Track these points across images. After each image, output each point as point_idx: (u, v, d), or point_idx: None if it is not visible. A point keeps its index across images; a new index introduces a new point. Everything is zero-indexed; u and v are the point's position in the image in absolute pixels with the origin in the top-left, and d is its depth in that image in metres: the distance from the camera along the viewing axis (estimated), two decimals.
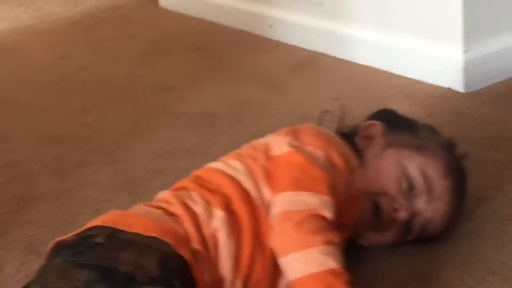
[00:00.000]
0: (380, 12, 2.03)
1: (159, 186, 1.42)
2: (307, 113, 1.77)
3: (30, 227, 1.39)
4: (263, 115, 1.81)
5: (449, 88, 1.85)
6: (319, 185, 1.04)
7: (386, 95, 1.85)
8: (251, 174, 1.08)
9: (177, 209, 1.03)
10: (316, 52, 2.23)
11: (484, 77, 1.85)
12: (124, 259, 0.91)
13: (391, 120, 1.23)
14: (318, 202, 1.02)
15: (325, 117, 1.27)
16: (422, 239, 1.19)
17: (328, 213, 1.02)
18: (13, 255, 1.30)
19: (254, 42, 2.42)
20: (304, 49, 2.27)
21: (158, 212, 1.03)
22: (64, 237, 0.99)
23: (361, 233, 1.16)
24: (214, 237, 1.00)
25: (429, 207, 1.14)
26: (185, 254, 0.96)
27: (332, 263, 0.98)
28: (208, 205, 1.03)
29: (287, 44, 2.35)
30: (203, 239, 0.99)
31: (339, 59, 2.16)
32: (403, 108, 1.75)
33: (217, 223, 1.01)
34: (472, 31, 1.82)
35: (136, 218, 1.00)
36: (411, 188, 1.14)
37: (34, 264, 1.18)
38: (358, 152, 1.19)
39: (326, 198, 1.03)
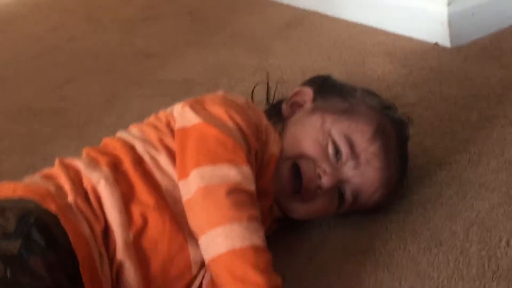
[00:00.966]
0: None
1: None
2: (286, 76, 1.71)
3: None
4: (242, 79, 1.76)
5: (435, 43, 1.77)
6: (237, 156, 0.99)
7: (367, 54, 1.77)
8: (147, 141, 1.05)
9: (56, 170, 1.03)
10: (305, 11, 2.15)
11: (471, 30, 1.75)
12: None
13: (322, 86, 1.17)
14: (238, 175, 0.98)
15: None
16: (367, 210, 1.14)
17: (250, 186, 0.98)
18: None
19: (247, 4, 2.35)
20: (294, 8, 2.20)
21: (36, 177, 1.03)
22: None
23: (286, 204, 1.11)
24: (95, 189, 0.99)
25: (357, 173, 1.08)
26: (53, 208, 0.94)
27: (255, 239, 0.94)
28: (93, 162, 1.03)
29: (278, 4, 2.27)
30: (83, 192, 0.99)
31: (327, 16, 2.08)
32: (383, 67, 1.69)
33: (98, 177, 1.00)
34: None
35: (7, 185, 1.00)
36: (336, 154, 1.08)
37: None
38: (283, 119, 1.13)
39: (246, 169, 0.99)
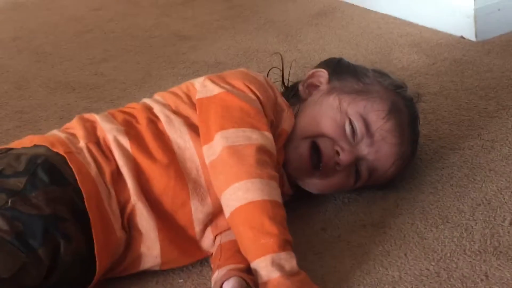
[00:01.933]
0: None
1: None
2: (313, 62, 1.77)
3: None
4: (270, 64, 1.81)
5: (461, 37, 1.81)
6: (260, 122, 1.06)
7: (394, 44, 1.83)
8: (165, 105, 1.13)
9: (73, 123, 1.13)
10: (337, 1, 2.21)
11: (496, 25, 1.80)
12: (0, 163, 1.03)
13: (337, 68, 1.23)
14: (262, 138, 1.05)
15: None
16: (381, 185, 1.20)
17: (272, 149, 1.05)
18: None
19: None
20: None
21: (55, 130, 1.13)
22: None
23: (304, 179, 1.17)
24: (106, 138, 1.08)
25: (372, 150, 1.14)
26: (61, 151, 1.04)
27: (274, 195, 1.01)
28: (109, 117, 1.12)
29: None
30: (95, 139, 1.08)
31: (358, 7, 2.13)
32: (408, 57, 1.75)
33: (111, 128, 1.09)
34: None
35: (27, 138, 1.12)
36: (353, 132, 1.14)
37: None
38: (301, 100, 1.19)
39: (268, 134, 1.05)
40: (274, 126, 1.12)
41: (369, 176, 1.16)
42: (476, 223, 1.11)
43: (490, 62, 1.65)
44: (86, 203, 1.01)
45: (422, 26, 1.91)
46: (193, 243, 1.09)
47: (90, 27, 2.34)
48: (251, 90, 1.11)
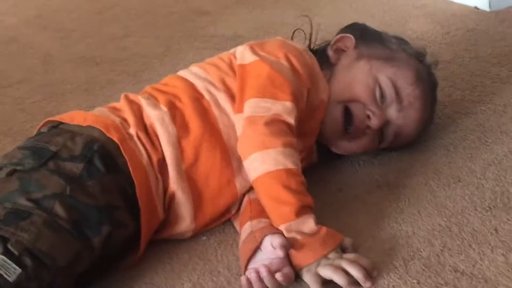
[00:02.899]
0: None
1: None
2: (331, 35, 1.81)
3: None
4: (286, 37, 1.86)
5: (475, 7, 1.85)
6: (283, 92, 1.10)
7: (409, 15, 1.87)
8: (207, 80, 1.15)
9: (121, 104, 1.14)
10: None
11: None
12: (55, 141, 1.05)
13: (362, 33, 1.27)
14: (281, 108, 1.09)
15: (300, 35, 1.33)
16: (397, 146, 1.25)
17: (289, 119, 1.08)
18: None
19: None
20: None
21: (104, 109, 1.15)
22: None
23: (334, 141, 1.22)
24: (153, 125, 1.10)
25: (400, 115, 1.19)
26: (116, 137, 1.06)
27: (288, 163, 1.05)
28: (153, 100, 1.13)
29: None
30: (143, 126, 1.10)
31: None
32: (423, 27, 1.78)
33: (156, 114, 1.11)
34: None
35: (79, 114, 1.13)
36: (382, 97, 1.18)
37: None
38: (331, 65, 1.24)
39: (289, 104, 1.09)
40: (311, 95, 1.15)
41: (394, 139, 1.21)
42: (487, 181, 1.16)
43: (504, 31, 1.68)
44: (137, 191, 1.05)
45: None
46: (223, 218, 1.14)
47: (111, 5, 2.39)
48: (286, 57, 1.15)
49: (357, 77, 1.20)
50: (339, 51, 1.26)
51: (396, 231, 1.08)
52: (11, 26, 2.30)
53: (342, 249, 1.01)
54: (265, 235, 1.01)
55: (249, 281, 0.98)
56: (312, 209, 1.04)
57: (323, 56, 1.26)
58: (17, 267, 0.92)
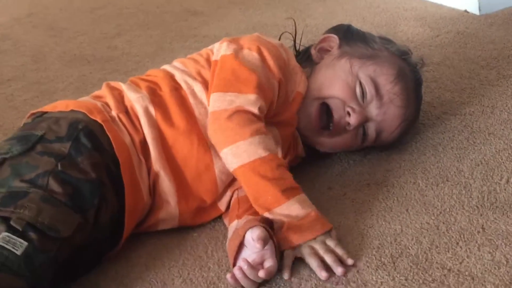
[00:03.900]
0: None
1: None
2: (318, 37, 1.82)
3: None
4: (277, 38, 1.87)
5: (465, 11, 1.86)
6: (247, 86, 1.12)
7: (399, 17, 1.88)
8: (186, 72, 1.18)
9: (103, 91, 1.19)
10: None
11: None
12: (40, 127, 1.09)
13: (347, 33, 1.28)
14: (244, 101, 1.11)
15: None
16: (385, 146, 1.26)
17: (253, 109, 1.10)
18: None
19: None
20: None
21: (86, 97, 1.19)
22: None
23: (314, 138, 1.23)
24: (133, 107, 1.13)
25: (380, 112, 1.20)
26: (99, 118, 1.10)
27: (260, 151, 1.07)
28: (134, 86, 1.17)
29: None
30: (124, 108, 1.13)
31: None
32: (413, 30, 1.80)
33: (137, 96, 1.14)
34: None
35: (62, 102, 1.17)
36: (362, 94, 1.19)
37: None
38: (313, 63, 1.25)
39: (252, 96, 1.11)
40: (284, 85, 1.17)
41: (376, 136, 1.22)
42: (475, 181, 1.17)
43: (493, 34, 1.70)
44: (121, 170, 1.07)
45: (427, 1, 1.97)
46: (211, 207, 1.16)
47: (103, 3, 2.40)
48: (259, 50, 1.17)
49: (337, 75, 1.22)
50: (323, 51, 1.28)
51: (385, 229, 1.09)
52: (3, 24, 2.30)
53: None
54: (246, 230, 1.03)
55: (235, 279, 0.99)
56: (295, 188, 1.07)
57: (306, 55, 1.27)
58: (23, 241, 0.95)
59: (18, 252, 0.93)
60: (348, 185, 1.23)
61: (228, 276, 1.00)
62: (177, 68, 1.21)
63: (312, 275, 1.01)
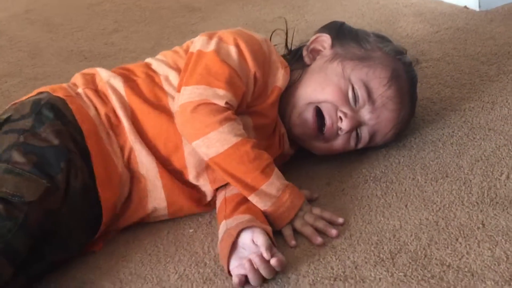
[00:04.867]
0: None
1: None
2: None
3: None
4: (276, 34, 1.86)
5: (465, 7, 1.85)
6: (218, 79, 1.11)
7: (398, 13, 1.87)
8: (163, 61, 1.20)
9: (75, 76, 1.22)
10: None
11: None
12: (7, 111, 1.14)
13: (339, 33, 1.26)
14: (211, 94, 1.10)
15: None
16: (379, 145, 1.25)
17: (218, 102, 1.10)
18: None
19: None
20: None
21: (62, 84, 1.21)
22: None
23: (310, 143, 1.22)
24: (104, 85, 1.16)
25: (373, 116, 1.18)
26: (61, 94, 1.13)
27: (232, 138, 1.08)
28: (109, 71, 1.19)
29: None
30: (93, 86, 1.16)
31: None
32: (412, 25, 1.78)
33: (109, 76, 1.17)
34: None
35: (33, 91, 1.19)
36: (355, 98, 1.18)
37: None
38: (304, 65, 1.23)
39: (221, 91, 1.10)
40: (260, 78, 1.16)
41: (370, 139, 1.21)
42: (475, 177, 1.16)
43: (493, 30, 1.69)
44: (86, 139, 1.09)
45: None
46: (194, 187, 1.15)
47: (100, 0, 2.38)
48: (236, 43, 1.15)
49: (330, 79, 1.20)
50: (315, 51, 1.25)
51: (384, 225, 1.08)
52: (0, 20, 2.28)
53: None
54: (240, 230, 1.03)
55: (241, 279, 0.99)
56: (270, 164, 1.10)
57: (297, 56, 1.26)
58: None
59: None
60: (346, 180, 1.21)
61: (235, 277, 0.99)
62: (156, 58, 1.23)
63: (309, 271, 1.00)
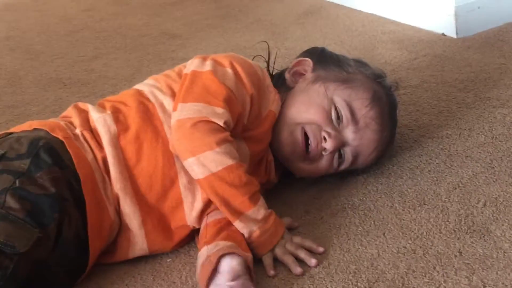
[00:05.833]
0: None
1: None
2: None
3: None
4: (257, 61, 1.87)
5: (442, 34, 1.87)
6: (216, 98, 1.11)
7: (377, 40, 1.88)
8: (155, 86, 1.19)
9: (69, 111, 1.19)
10: (323, 1, 2.27)
11: (477, 23, 1.85)
12: (1, 147, 1.08)
13: (321, 57, 1.28)
14: (210, 112, 1.10)
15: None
16: (362, 169, 1.25)
17: (218, 121, 1.09)
18: None
19: None
20: None
21: (52, 119, 1.19)
22: None
23: (295, 164, 1.22)
24: (96, 127, 1.14)
25: (357, 136, 1.19)
26: (60, 135, 1.10)
27: (227, 160, 1.08)
28: (100, 107, 1.17)
29: None
30: (89, 127, 1.14)
31: (343, 7, 2.20)
32: (390, 53, 1.80)
33: (99, 116, 1.14)
34: None
35: (27, 123, 1.17)
36: (338, 118, 1.19)
37: None
38: (288, 88, 1.24)
39: (220, 109, 1.10)
40: (256, 100, 1.17)
41: (353, 160, 1.21)
42: (452, 204, 1.16)
43: (470, 57, 1.71)
44: (82, 186, 1.06)
45: (404, 24, 1.97)
46: (179, 227, 1.14)
47: (81, 27, 2.39)
48: (232, 65, 1.16)
49: (313, 99, 1.21)
50: (297, 75, 1.27)
51: (362, 253, 1.08)
52: None
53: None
54: (219, 256, 1.02)
55: None
56: (258, 191, 1.10)
57: (280, 79, 1.27)
58: None
59: None
60: (325, 209, 1.21)
61: None
62: (147, 84, 1.21)
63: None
